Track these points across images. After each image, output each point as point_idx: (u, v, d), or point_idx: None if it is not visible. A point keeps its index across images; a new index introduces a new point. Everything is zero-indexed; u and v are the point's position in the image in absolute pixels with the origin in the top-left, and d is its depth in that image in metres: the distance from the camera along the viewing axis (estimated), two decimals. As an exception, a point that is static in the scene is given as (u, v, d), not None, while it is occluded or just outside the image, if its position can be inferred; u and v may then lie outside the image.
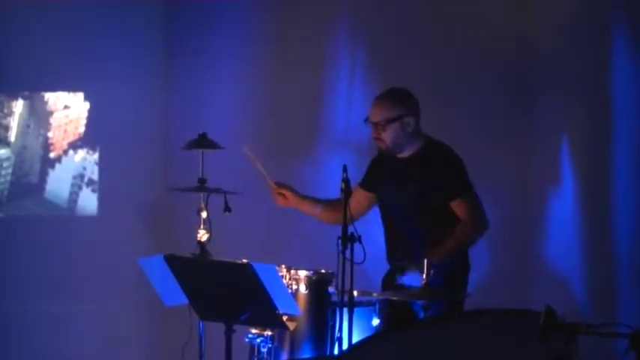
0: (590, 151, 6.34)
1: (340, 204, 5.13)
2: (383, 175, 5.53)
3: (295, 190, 5.71)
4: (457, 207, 5.33)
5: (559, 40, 6.41)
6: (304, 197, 5.70)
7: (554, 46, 6.43)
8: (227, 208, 5.73)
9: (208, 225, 5.76)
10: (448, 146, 5.41)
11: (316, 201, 5.71)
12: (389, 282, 5.45)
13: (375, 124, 5.37)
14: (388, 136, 5.34)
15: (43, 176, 7.50)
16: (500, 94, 6.59)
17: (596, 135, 6.31)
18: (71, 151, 7.53)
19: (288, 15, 7.22)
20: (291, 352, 5.27)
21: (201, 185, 5.81)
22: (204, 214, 5.77)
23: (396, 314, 5.27)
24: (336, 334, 5.00)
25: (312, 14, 7.14)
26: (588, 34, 6.30)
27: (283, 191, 5.68)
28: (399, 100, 5.38)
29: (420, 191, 5.32)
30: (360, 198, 5.58)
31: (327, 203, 5.67)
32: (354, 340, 4.94)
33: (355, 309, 4.94)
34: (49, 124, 7.50)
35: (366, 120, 5.44)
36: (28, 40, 7.28)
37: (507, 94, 6.59)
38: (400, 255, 5.40)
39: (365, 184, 5.61)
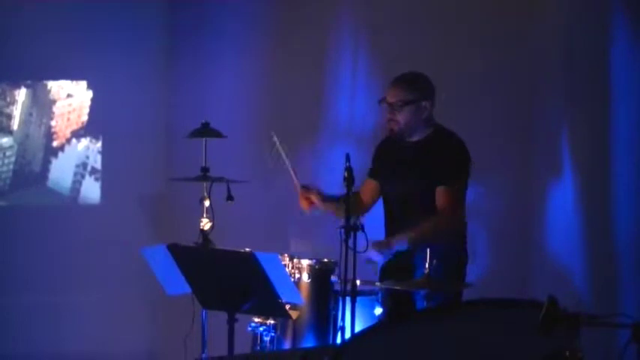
0: (590, 145, 6.34)
1: (354, 197, 5.30)
2: (387, 160, 5.54)
3: (321, 192, 5.55)
4: (439, 194, 5.29)
5: (559, 37, 6.42)
6: (326, 198, 5.54)
7: (555, 40, 6.43)
8: (230, 197, 5.73)
9: (211, 214, 5.77)
10: (459, 138, 5.39)
11: (335, 199, 5.48)
12: (388, 270, 5.46)
13: (391, 105, 5.37)
14: (402, 117, 5.35)
15: (45, 165, 7.51)
16: (502, 89, 6.60)
17: (596, 126, 6.31)
18: (74, 140, 7.54)
19: (290, 3, 7.22)
20: (294, 341, 5.29)
21: (204, 174, 5.81)
22: (206, 203, 5.78)
23: (399, 303, 5.28)
24: (339, 323, 5.01)
25: (314, 3, 7.14)
26: (588, 31, 6.30)
27: (310, 195, 5.54)
28: (418, 83, 5.39)
29: (423, 177, 5.32)
30: (370, 187, 5.61)
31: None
32: (357, 329, 4.95)
33: (358, 298, 4.95)
34: (52, 113, 7.51)
35: (382, 100, 5.42)
36: (31, 29, 7.29)
37: (508, 88, 6.59)
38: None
39: (373, 173, 5.63)
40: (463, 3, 6.73)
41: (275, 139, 5.44)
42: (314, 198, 5.52)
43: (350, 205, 5.14)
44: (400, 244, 5.25)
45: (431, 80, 5.42)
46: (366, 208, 5.63)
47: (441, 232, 5.27)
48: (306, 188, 5.56)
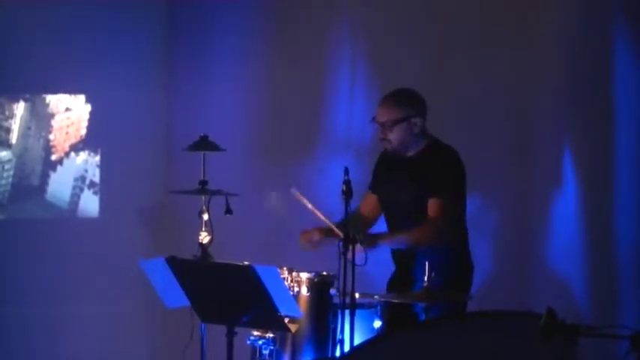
0: (592, 153, 6.34)
1: (355, 214, 5.36)
2: (385, 174, 5.53)
3: (320, 229, 5.32)
4: (430, 205, 5.25)
5: (560, 42, 6.42)
6: (327, 231, 5.28)
7: (555, 48, 6.44)
8: (228, 210, 5.73)
9: (210, 227, 5.76)
10: (454, 150, 5.38)
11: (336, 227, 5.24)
12: (394, 283, 5.46)
13: (382, 125, 5.35)
14: (395, 136, 5.32)
15: (44, 178, 7.51)
16: (501, 95, 6.59)
17: (598, 136, 6.31)
18: (72, 154, 7.54)
19: (288, 16, 7.22)
20: (293, 354, 5.27)
21: (203, 187, 5.81)
22: (205, 217, 5.77)
23: (398, 316, 5.27)
24: (338, 336, 5.00)
25: (312, 15, 7.15)
26: (589, 34, 6.30)
27: (311, 235, 5.34)
28: (406, 100, 5.35)
29: (418, 190, 5.30)
30: (371, 201, 5.58)
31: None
32: (356, 342, 4.94)
33: (357, 311, 4.94)
34: (51, 127, 7.51)
35: (373, 120, 5.40)
36: (29, 43, 7.29)
37: (508, 94, 6.59)
38: (403, 255, 5.40)
39: (372, 187, 5.61)
40: (462, 9, 6.72)
41: (296, 194, 5.22)
42: (315, 235, 5.33)
43: (352, 221, 5.14)
44: (385, 243, 5.22)
45: (420, 95, 5.38)
46: (368, 224, 5.58)
47: (427, 242, 5.23)
48: (307, 230, 5.36)
